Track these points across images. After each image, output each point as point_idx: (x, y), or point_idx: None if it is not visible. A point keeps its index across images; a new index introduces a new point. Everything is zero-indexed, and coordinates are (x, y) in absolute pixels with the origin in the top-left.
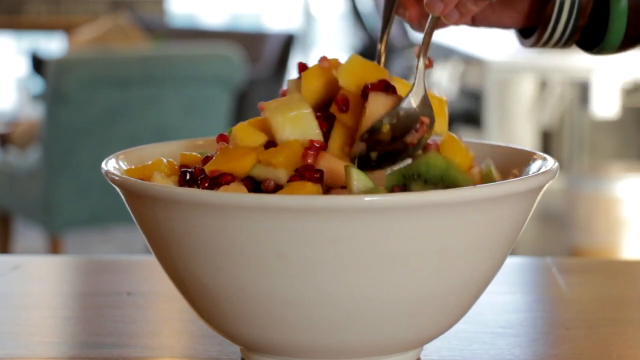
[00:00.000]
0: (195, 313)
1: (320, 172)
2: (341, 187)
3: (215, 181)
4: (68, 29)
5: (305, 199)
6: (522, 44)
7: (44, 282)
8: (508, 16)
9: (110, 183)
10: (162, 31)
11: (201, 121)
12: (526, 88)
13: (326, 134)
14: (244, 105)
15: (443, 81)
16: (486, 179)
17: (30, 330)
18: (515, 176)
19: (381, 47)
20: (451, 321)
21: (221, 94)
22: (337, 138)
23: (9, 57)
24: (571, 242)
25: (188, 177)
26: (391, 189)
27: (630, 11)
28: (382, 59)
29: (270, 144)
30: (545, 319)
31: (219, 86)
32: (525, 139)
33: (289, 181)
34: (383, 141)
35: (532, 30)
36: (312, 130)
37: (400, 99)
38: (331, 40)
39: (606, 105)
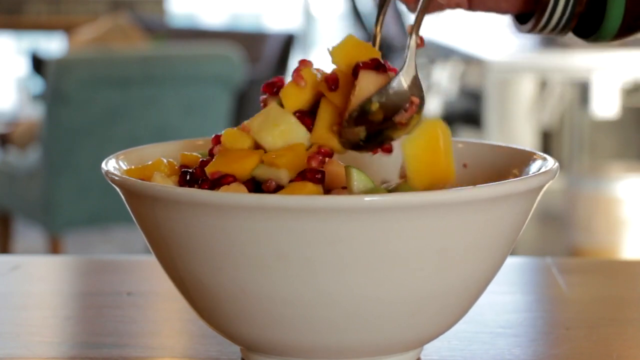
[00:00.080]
0: (195, 313)
1: (322, 172)
2: (341, 187)
3: (217, 182)
4: (68, 29)
5: (306, 199)
6: (519, 29)
7: (44, 282)
8: (505, 0)
9: (110, 183)
10: (162, 31)
11: (201, 121)
12: (526, 88)
13: (312, 114)
14: (244, 105)
15: (443, 81)
16: None
17: (30, 330)
18: (515, 176)
19: (377, 29)
20: (451, 321)
21: (221, 94)
22: (325, 117)
23: (9, 57)
24: (571, 242)
25: (188, 177)
26: None
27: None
28: (378, 40)
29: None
30: (545, 319)
31: (219, 86)
32: (525, 139)
33: (290, 182)
34: (372, 120)
35: (529, 16)
36: (303, 136)
37: (391, 78)
38: (331, 40)
39: (606, 105)
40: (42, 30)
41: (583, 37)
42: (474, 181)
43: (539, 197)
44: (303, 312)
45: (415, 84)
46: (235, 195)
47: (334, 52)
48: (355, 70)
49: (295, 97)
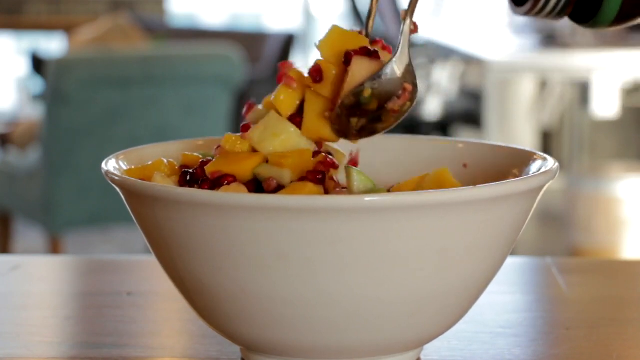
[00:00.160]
0: (195, 313)
1: (323, 173)
2: (341, 187)
3: (217, 182)
4: (68, 29)
5: (306, 199)
6: (515, 12)
7: (44, 282)
8: None
9: (110, 183)
10: (162, 31)
11: (201, 121)
12: (526, 88)
13: (300, 112)
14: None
15: (443, 81)
16: None
17: (30, 330)
18: (516, 176)
19: (372, 2)
20: (451, 321)
21: (221, 94)
22: (312, 108)
23: (9, 57)
24: (571, 242)
25: (189, 177)
26: None
27: None
28: (371, 24)
29: None
30: (545, 319)
31: (219, 86)
32: (525, 139)
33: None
34: (364, 106)
35: None
36: (305, 143)
37: (384, 64)
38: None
39: (606, 105)
40: (42, 30)
41: (580, 22)
42: (474, 181)
43: (539, 197)
44: (303, 312)
45: (409, 70)
46: (235, 195)
47: (322, 45)
48: (347, 58)
49: (290, 101)
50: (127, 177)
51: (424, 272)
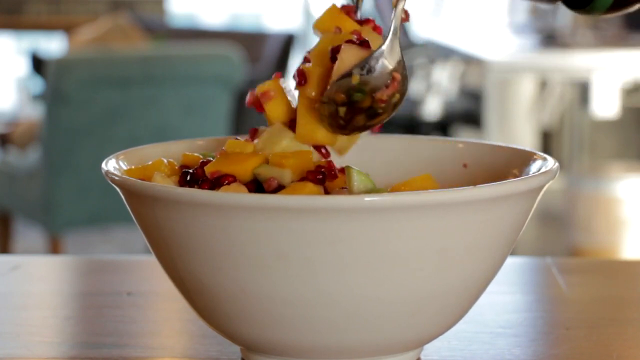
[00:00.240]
0: (195, 313)
1: (323, 173)
2: (341, 187)
3: (217, 182)
4: (68, 29)
5: (305, 199)
6: None
7: (44, 282)
8: None
9: (110, 183)
10: (162, 31)
11: (201, 121)
12: (526, 88)
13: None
14: (244, 105)
15: (443, 81)
16: None
17: (30, 330)
18: (515, 176)
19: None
20: (451, 321)
21: (221, 94)
22: (303, 113)
23: (9, 57)
24: (571, 242)
25: (189, 177)
26: None
27: None
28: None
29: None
30: (545, 319)
31: (219, 86)
32: (525, 139)
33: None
34: (352, 91)
35: None
36: (307, 149)
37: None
38: None
39: (606, 105)
40: (42, 30)
41: (575, 8)
42: (474, 181)
43: (539, 197)
44: (303, 312)
45: (398, 60)
46: (235, 195)
47: (318, 24)
48: (333, 54)
49: (275, 109)
50: (127, 177)
51: (424, 272)
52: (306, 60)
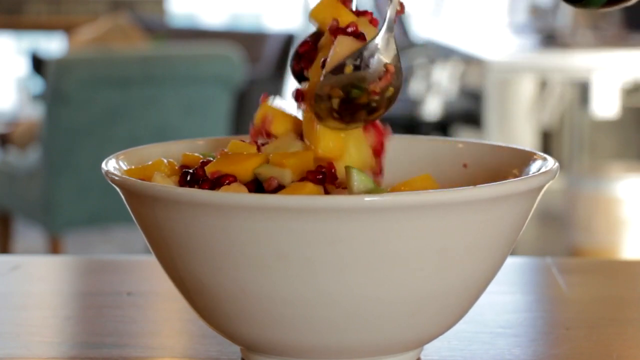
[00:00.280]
0: (195, 313)
1: (323, 173)
2: (341, 187)
3: (217, 182)
4: (68, 29)
5: (305, 199)
6: None
7: (44, 282)
8: None
9: (110, 183)
10: (162, 31)
11: (201, 121)
12: (526, 88)
13: None
14: (244, 105)
15: (443, 81)
16: None
17: (30, 330)
18: (515, 176)
19: None
20: (451, 321)
21: (221, 94)
22: (318, 132)
23: (9, 57)
24: (571, 242)
25: (189, 177)
26: None
27: None
28: None
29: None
30: (545, 319)
31: (219, 86)
32: (525, 139)
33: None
34: (345, 82)
35: None
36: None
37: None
38: None
39: (606, 105)
40: (42, 30)
41: (572, 2)
42: (474, 181)
43: (539, 197)
44: (303, 312)
45: (393, 53)
46: (235, 195)
47: (314, 13)
48: (332, 29)
49: (281, 126)
50: (127, 177)
51: (424, 272)
52: (298, 54)
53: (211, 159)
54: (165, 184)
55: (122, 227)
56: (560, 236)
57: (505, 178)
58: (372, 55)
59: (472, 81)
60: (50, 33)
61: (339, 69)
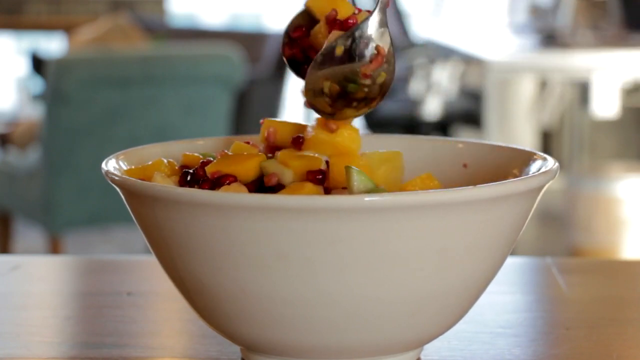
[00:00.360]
0: (195, 313)
1: (323, 173)
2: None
3: (217, 182)
4: (68, 29)
5: (306, 199)
6: None
7: (44, 282)
8: None
9: (110, 183)
10: (162, 31)
11: (201, 121)
12: (526, 88)
13: None
14: (244, 105)
15: (443, 81)
16: None
17: (30, 330)
18: (515, 176)
19: None
20: (451, 321)
21: (221, 94)
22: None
23: (9, 57)
24: (571, 242)
25: (189, 177)
26: None
27: None
28: None
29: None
30: (545, 319)
31: (219, 86)
32: (525, 139)
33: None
34: (336, 64)
35: None
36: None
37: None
38: None
39: (606, 105)
40: (42, 30)
41: None
42: (474, 181)
43: (539, 197)
44: (303, 312)
45: (383, 32)
46: (235, 195)
47: (310, 1)
48: (328, 20)
49: (285, 132)
50: (127, 177)
51: (424, 272)
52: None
53: (211, 159)
54: (165, 184)
55: (122, 227)
56: (560, 236)
57: (505, 178)
58: (363, 37)
59: (472, 81)
60: (50, 33)
61: (330, 51)
